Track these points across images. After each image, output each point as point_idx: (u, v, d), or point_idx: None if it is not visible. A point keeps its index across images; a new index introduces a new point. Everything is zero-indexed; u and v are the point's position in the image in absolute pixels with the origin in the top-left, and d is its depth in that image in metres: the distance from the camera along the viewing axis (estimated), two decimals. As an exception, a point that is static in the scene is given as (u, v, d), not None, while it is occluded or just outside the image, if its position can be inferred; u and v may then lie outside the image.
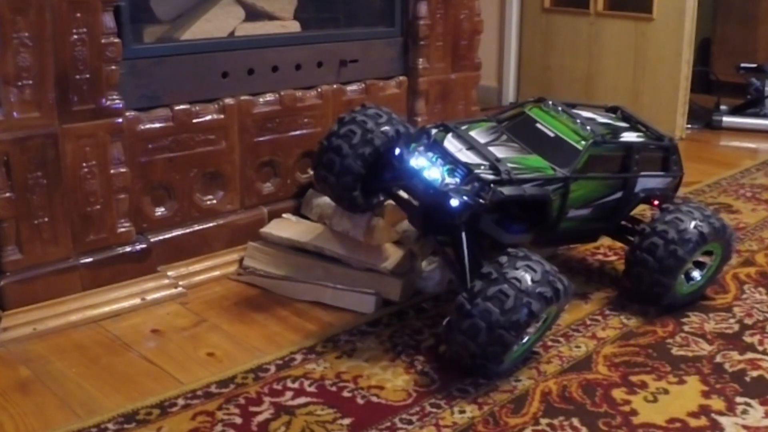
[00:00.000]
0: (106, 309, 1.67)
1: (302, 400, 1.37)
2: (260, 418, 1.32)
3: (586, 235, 1.78)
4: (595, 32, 3.29)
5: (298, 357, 1.50)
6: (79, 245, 1.66)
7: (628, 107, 1.87)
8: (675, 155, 1.77)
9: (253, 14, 2.05)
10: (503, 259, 1.38)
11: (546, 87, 3.45)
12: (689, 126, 3.20)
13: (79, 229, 1.65)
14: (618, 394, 1.39)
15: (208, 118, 1.85)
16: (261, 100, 1.95)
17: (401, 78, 2.26)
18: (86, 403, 1.36)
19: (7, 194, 1.55)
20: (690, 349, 1.55)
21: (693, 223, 1.61)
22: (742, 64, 3.47)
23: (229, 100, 1.88)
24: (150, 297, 1.73)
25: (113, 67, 1.63)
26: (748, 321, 1.66)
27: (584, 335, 1.60)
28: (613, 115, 1.82)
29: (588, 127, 1.63)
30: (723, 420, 1.32)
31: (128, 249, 1.73)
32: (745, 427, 1.30)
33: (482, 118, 1.70)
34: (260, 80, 1.95)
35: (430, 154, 1.50)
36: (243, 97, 1.91)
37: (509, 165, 1.49)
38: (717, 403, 1.37)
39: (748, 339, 1.59)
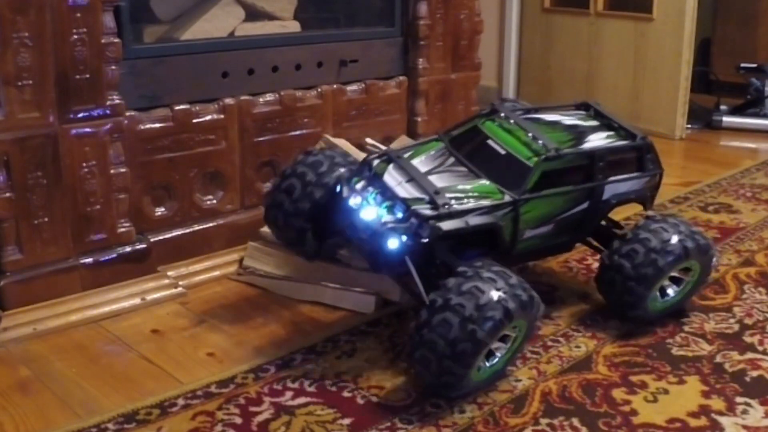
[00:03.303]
0: (106, 309, 1.67)
1: (302, 400, 1.37)
2: (260, 418, 1.31)
3: (553, 250, 1.69)
4: (595, 32, 3.29)
5: (298, 357, 1.50)
6: (79, 245, 1.66)
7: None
8: (650, 153, 1.65)
9: (253, 14, 2.05)
10: (437, 294, 1.30)
11: (546, 87, 3.45)
12: (689, 126, 3.20)
13: (79, 229, 1.65)
14: (618, 394, 1.39)
15: (208, 118, 1.85)
16: (261, 100, 1.95)
17: (401, 78, 2.26)
18: (86, 403, 1.36)
19: (7, 194, 1.55)
20: (690, 349, 1.55)
21: (677, 237, 1.55)
22: (742, 64, 3.47)
23: (229, 100, 1.88)
24: (150, 297, 1.73)
25: (113, 67, 1.63)
26: (748, 321, 1.66)
27: (584, 335, 1.60)
28: (584, 114, 1.70)
29: (540, 141, 1.49)
30: (723, 420, 1.32)
31: (128, 249, 1.73)
32: (745, 427, 1.30)
33: (432, 138, 1.60)
34: (260, 80, 1.95)
35: (370, 189, 1.44)
36: (243, 97, 1.91)
37: (451, 195, 1.41)
38: (717, 403, 1.37)
39: (748, 339, 1.59)
